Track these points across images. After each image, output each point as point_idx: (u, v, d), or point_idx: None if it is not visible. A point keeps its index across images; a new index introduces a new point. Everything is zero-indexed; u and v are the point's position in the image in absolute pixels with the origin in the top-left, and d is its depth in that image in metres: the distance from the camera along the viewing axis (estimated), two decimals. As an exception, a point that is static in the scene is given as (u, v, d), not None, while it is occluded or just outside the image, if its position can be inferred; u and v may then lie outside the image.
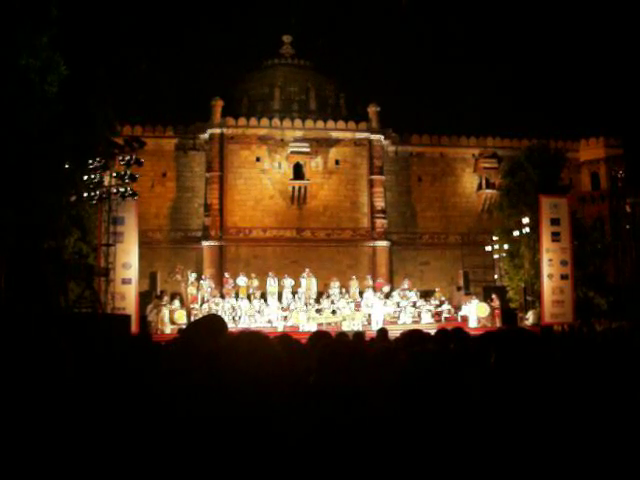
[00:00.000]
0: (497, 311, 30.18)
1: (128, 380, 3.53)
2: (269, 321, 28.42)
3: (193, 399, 2.48)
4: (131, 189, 23.61)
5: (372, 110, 40.33)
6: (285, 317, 28.77)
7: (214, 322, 3.39)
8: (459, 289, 35.29)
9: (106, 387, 3.34)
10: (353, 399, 2.89)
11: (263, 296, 31.31)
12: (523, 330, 3.61)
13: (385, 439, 2.66)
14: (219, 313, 26.85)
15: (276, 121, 39.30)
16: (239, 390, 2.30)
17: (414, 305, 30.87)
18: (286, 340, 4.71)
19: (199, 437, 2.35)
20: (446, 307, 31.43)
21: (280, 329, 26.43)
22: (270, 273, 32.54)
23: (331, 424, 2.63)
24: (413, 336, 5.67)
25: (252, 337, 2.44)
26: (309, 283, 32.50)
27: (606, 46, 58.61)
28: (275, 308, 29.34)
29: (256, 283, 32.21)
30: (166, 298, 29.10)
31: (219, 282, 33.59)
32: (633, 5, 46.34)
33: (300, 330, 26.28)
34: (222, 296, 30.91)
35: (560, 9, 58.43)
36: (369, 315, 29.20)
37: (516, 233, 33.02)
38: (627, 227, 39.16)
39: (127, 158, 23.44)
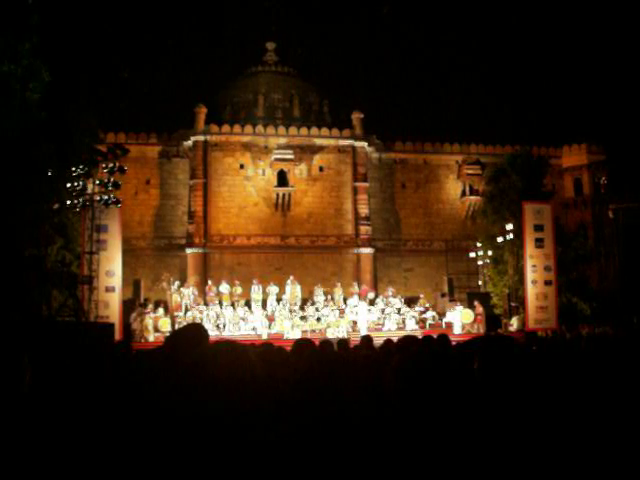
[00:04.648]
0: (479, 317, 30.19)
1: (108, 386, 3.49)
2: (253, 328, 28.28)
3: (173, 405, 2.45)
4: (114, 196, 23.51)
5: (356, 117, 40.41)
6: (269, 324, 28.63)
7: (197, 331, 3.35)
8: (443, 295, 35.34)
9: (84, 395, 3.30)
10: (338, 407, 2.86)
11: (247, 303, 31.20)
12: (505, 336, 3.61)
13: (370, 445, 2.63)
14: (203, 321, 26.78)
15: (260, 128, 39.27)
16: (217, 398, 2.27)
17: (399, 312, 30.82)
18: (269, 348, 4.68)
19: (178, 442, 2.31)
20: (430, 314, 31.40)
21: (264, 337, 26.31)
22: (254, 280, 32.41)
23: (316, 430, 2.60)
24: (407, 342, 5.65)
25: (225, 346, 2.40)
26: (293, 290, 32.41)
27: (589, 54, 59.20)
28: (259, 315, 29.19)
29: (240, 290, 32.09)
30: (150, 306, 28.93)
31: (203, 289, 33.45)
32: (614, 16, 46.85)
33: (284, 337, 26.17)
34: (206, 304, 30.77)
35: (543, 18, 59.00)
36: (354, 322, 29.14)
37: (500, 239, 33.11)
38: (610, 233, 39.43)
39: (110, 165, 23.34)
